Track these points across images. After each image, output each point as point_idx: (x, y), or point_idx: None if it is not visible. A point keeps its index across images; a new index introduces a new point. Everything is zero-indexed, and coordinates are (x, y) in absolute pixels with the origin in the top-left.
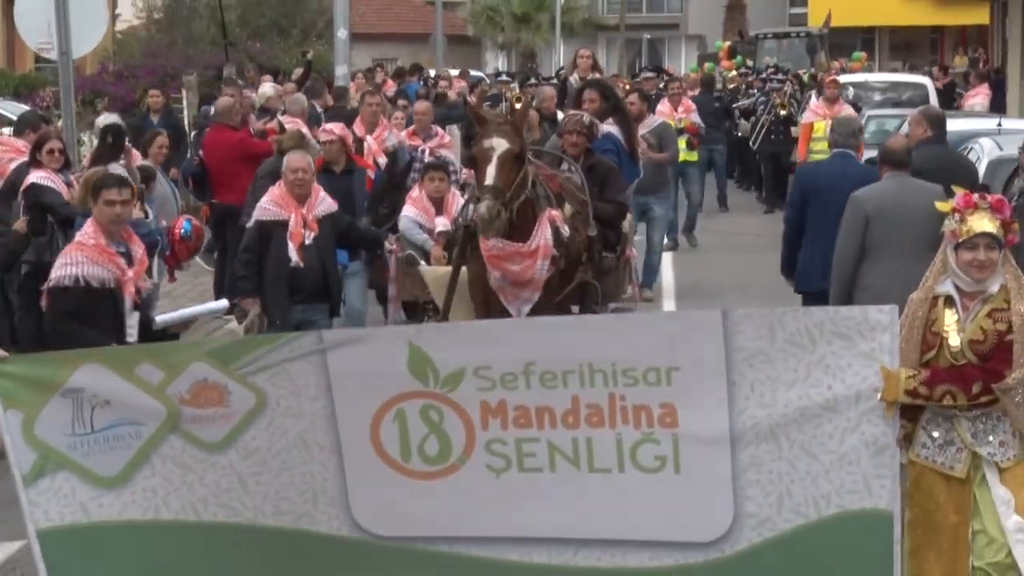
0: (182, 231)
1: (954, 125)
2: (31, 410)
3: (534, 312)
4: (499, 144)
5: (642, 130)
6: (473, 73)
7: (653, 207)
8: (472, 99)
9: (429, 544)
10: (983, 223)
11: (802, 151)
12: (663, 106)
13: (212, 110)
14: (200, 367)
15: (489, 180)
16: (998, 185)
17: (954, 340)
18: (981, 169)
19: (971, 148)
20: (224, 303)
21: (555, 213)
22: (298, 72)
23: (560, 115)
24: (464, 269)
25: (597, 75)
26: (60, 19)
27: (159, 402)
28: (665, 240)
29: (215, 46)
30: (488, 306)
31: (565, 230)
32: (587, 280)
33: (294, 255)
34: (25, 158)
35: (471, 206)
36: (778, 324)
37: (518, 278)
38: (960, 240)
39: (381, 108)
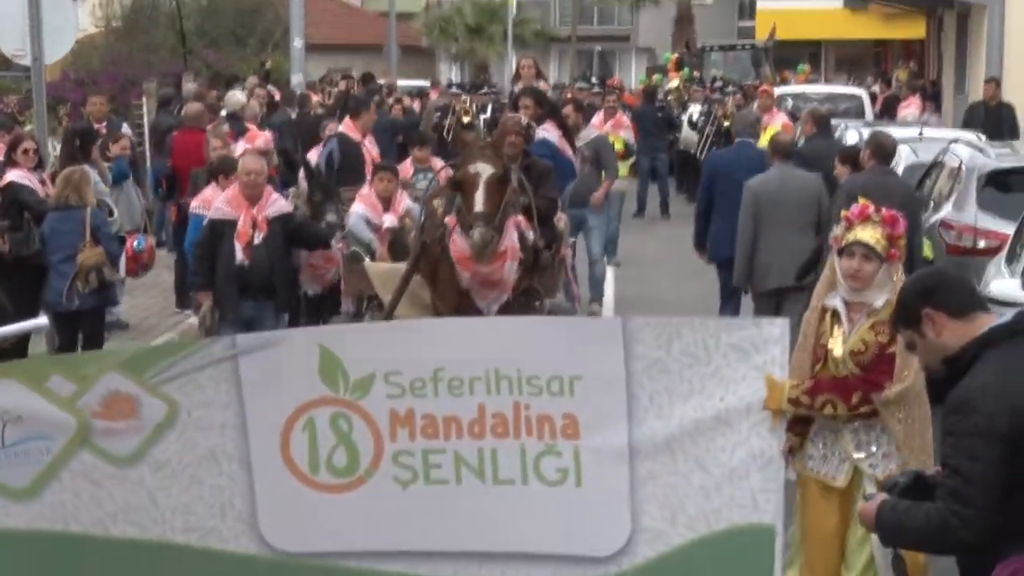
0: (135, 246)
1: None
2: None
3: (501, 311)
4: (484, 169)
5: (578, 143)
6: (424, 83)
7: (589, 218)
8: (418, 107)
9: (339, 560)
10: (864, 233)
11: None
12: (596, 119)
13: (180, 111)
14: (113, 378)
15: (479, 207)
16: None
17: (837, 351)
18: (898, 173)
19: None
20: (44, 321)
21: (520, 218)
22: (253, 81)
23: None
24: (417, 276)
25: (542, 83)
26: (33, 26)
27: (70, 415)
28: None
29: (174, 54)
30: (460, 308)
31: (530, 234)
32: (530, 284)
33: (240, 253)
34: (0, 158)
35: (423, 217)
36: (675, 334)
37: (487, 279)
38: (841, 247)
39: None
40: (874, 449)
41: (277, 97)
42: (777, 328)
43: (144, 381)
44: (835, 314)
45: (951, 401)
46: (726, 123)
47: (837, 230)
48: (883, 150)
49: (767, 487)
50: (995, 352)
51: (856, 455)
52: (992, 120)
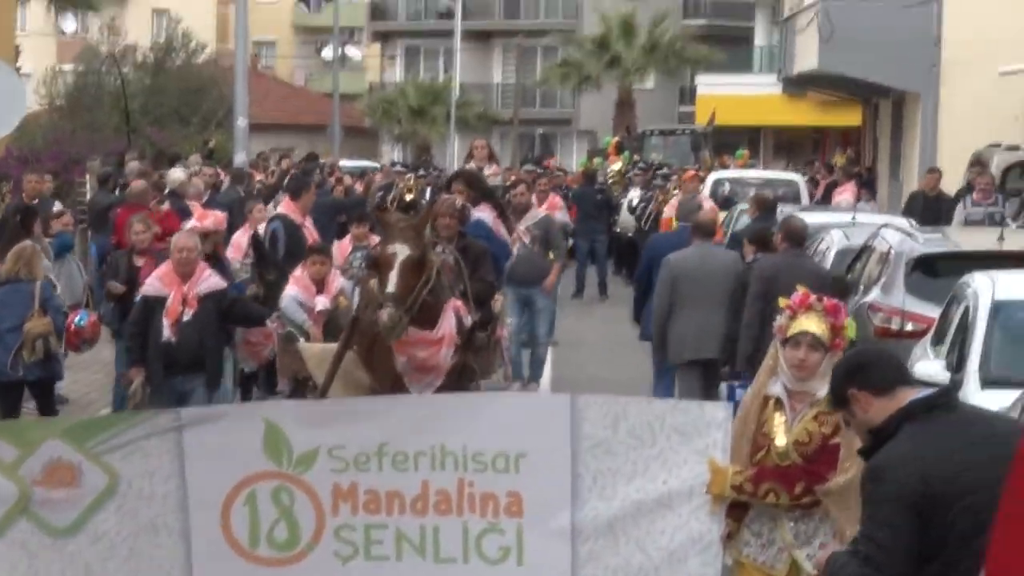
0: (77, 321)
1: (818, 218)
2: None
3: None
4: (401, 250)
5: (526, 222)
6: (367, 164)
7: (536, 299)
8: (360, 187)
9: None
10: (809, 323)
11: None
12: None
13: (117, 189)
14: (55, 445)
15: (391, 288)
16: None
17: (780, 441)
18: (829, 257)
19: (823, 238)
20: None
21: (459, 303)
22: (196, 159)
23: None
24: (350, 353)
25: (494, 165)
26: None
27: (11, 482)
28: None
29: (117, 133)
30: (396, 390)
31: (468, 320)
32: (467, 362)
33: (167, 330)
34: None
35: (358, 290)
36: (622, 414)
37: (423, 364)
38: (785, 337)
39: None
40: (813, 541)
41: (222, 176)
42: (720, 412)
43: (87, 449)
44: (778, 402)
45: (867, 470)
46: (665, 208)
47: (780, 319)
48: (794, 234)
49: (705, 571)
50: (913, 425)
51: (796, 551)
52: (931, 210)
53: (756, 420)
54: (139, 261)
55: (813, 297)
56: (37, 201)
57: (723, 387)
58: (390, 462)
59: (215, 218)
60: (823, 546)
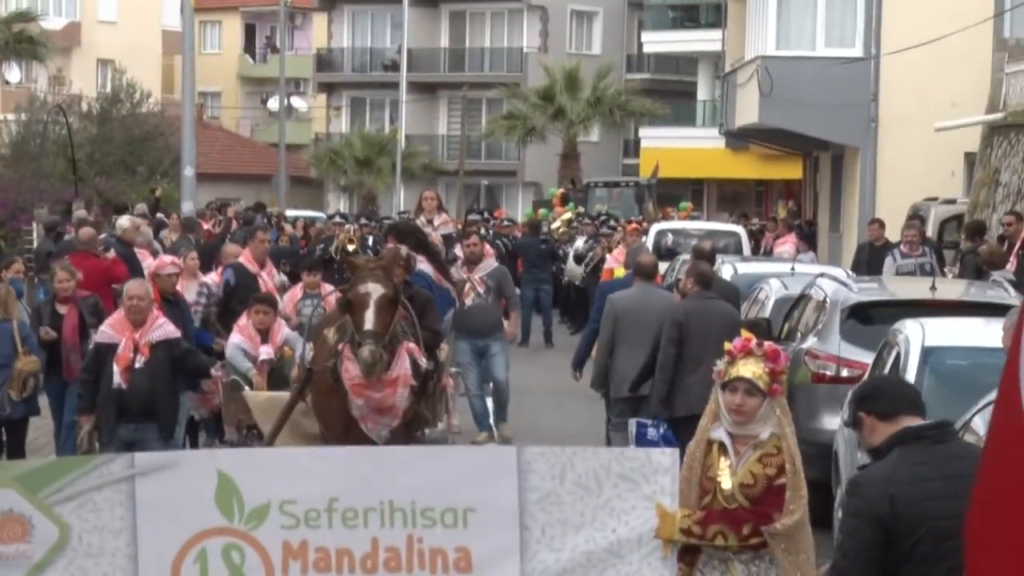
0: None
1: (757, 268)
2: None
3: (392, 436)
4: (375, 289)
5: (479, 272)
6: (311, 214)
7: (491, 345)
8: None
9: None
10: (747, 368)
11: None
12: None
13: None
14: (7, 495)
15: (368, 325)
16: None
17: (726, 483)
18: (768, 306)
19: (761, 287)
20: None
21: (412, 346)
22: (142, 208)
23: None
24: (302, 404)
25: (443, 214)
26: None
27: None
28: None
29: (64, 181)
30: (349, 437)
31: (423, 361)
32: (418, 410)
33: (117, 377)
34: None
35: (307, 347)
36: (568, 465)
37: (380, 405)
38: (724, 381)
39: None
40: None
41: (169, 223)
42: (667, 458)
43: (39, 500)
44: (721, 446)
45: (847, 484)
46: (608, 256)
47: (720, 364)
48: (703, 278)
49: None
50: (901, 450)
51: None
52: (879, 259)
53: (700, 465)
54: (62, 309)
55: (754, 342)
56: None
57: (632, 424)
58: (340, 518)
59: (172, 261)
60: None
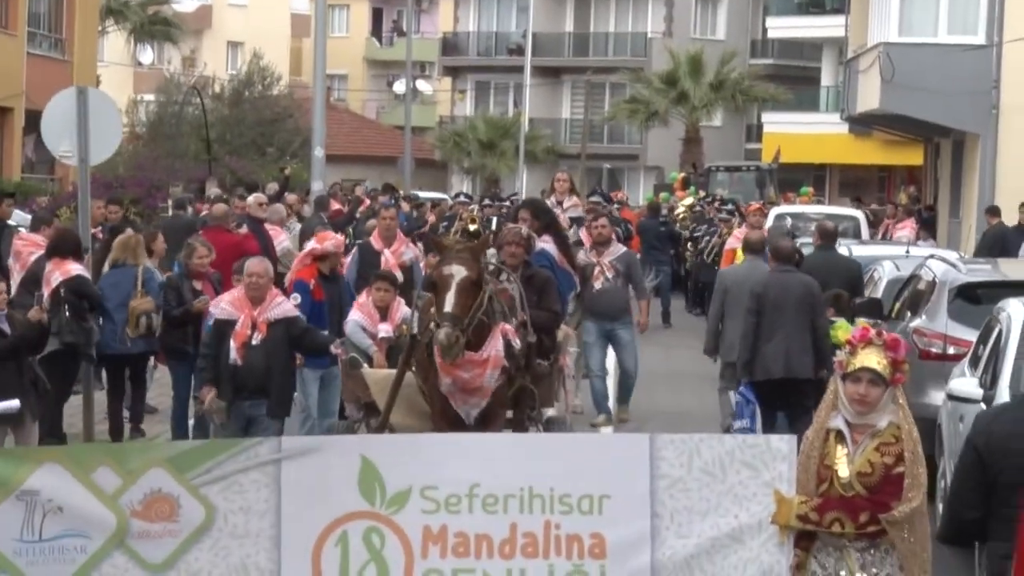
0: None
1: (873, 251)
2: None
3: (482, 416)
4: (458, 271)
5: (608, 257)
6: (437, 195)
7: (619, 333)
8: (431, 217)
9: None
10: (870, 359)
11: None
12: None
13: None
14: (157, 474)
15: (448, 307)
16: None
17: (843, 472)
18: (881, 286)
19: (876, 268)
20: (15, 403)
21: (508, 327)
22: (273, 187)
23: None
24: (409, 374)
25: (575, 197)
26: (81, 131)
27: (111, 511)
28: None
29: (197, 161)
30: (443, 411)
31: (516, 343)
32: (525, 385)
33: (234, 353)
34: (42, 251)
35: (416, 316)
36: (695, 452)
37: (467, 385)
38: (846, 372)
39: (396, 223)
40: (876, 571)
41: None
42: (785, 444)
43: (187, 481)
44: (839, 435)
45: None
46: (729, 239)
47: (840, 354)
48: (780, 253)
49: None
50: (1013, 400)
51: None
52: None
53: (819, 453)
54: (197, 284)
55: (873, 331)
56: (100, 229)
57: (731, 395)
58: (480, 504)
59: (335, 240)
60: None
